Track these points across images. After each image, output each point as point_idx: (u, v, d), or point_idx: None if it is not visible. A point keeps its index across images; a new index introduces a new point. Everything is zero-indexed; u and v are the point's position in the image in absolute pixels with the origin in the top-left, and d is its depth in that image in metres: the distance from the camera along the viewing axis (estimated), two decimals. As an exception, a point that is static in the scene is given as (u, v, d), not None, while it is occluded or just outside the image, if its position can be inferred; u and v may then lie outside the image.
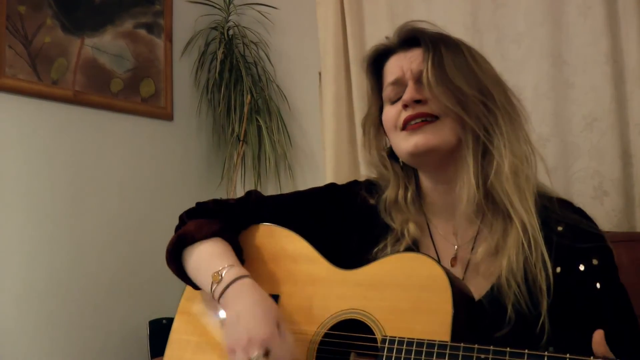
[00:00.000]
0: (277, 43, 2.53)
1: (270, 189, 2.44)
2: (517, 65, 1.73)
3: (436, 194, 1.08)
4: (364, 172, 1.23)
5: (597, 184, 1.59)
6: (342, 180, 1.25)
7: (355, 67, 2.10)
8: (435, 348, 0.82)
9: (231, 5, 2.55)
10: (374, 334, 0.91)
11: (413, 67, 1.03)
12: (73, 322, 2.04)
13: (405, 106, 1.01)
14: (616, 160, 1.57)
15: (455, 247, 1.05)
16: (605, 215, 1.56)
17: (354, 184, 1.20)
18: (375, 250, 1.06)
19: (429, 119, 1.00)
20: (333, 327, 0.98)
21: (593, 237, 0.95)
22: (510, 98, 1.03)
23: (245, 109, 2.39)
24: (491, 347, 0.78)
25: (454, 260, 1.04)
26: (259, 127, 2.43)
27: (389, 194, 1.10)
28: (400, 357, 0.85)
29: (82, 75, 2.15)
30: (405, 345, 0.86)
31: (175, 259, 1.12)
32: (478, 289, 0.96)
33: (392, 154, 1.12)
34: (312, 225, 1.14)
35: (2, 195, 1.92)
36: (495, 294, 0.95)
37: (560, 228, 0.96)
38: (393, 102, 1.06)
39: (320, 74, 2.24)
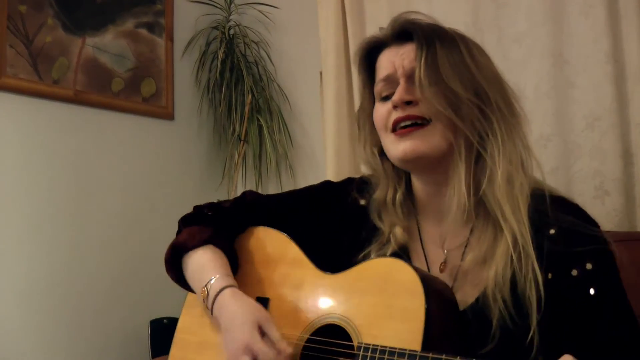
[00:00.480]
0: (278, 43, 2.53)
1: (271, 189, 2.43)
2: (518, 65, 1.73)
3: (427, 197, 1.04)
4: (365, 171, 1.21)
5: (598, 184, 1.59)
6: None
7: (356, 66, 2.09)
8: (406, 357, 0.81)
9: (232, 5, 2.54)
10: (352, 340, 0.91)
11: (405, 64, 0.98)
12: (74, 322, 2.04)
13: (395, 107, 0.97)
14: (617, 159, 1.56)
15: (445, 251, 1.01)
16: (606, 214, 1.56)
17: (348, 182, 1.17)
18: (362, 254, 1.04)
19: (419, 122, 0.95)
20: (316, 331, 0.98)
21: (588, 240, 0.89)
22: (509, 99, 0.98)
23: (246, 109, 2.39)
24: (458, 357, 0.76)
25: (443, 265, 1.00)
26: (260, 127, 2.43)
27: (378, 194, 1.07)
28: None
29: (83, 74, 2.15)
30: (378, 353, 0.85)
31: (173, 268, 1.13)
32: (465, 297, 0.94)
33: (383, 152, 1.06)
34: (307, 226, 1.13)
35: (2, 195, 1.92)
36: (480, 306, 0.91)
37: (552, 231, 0.90)
38: (384, 99, 1.01)
39: (321, 73, 2.24)
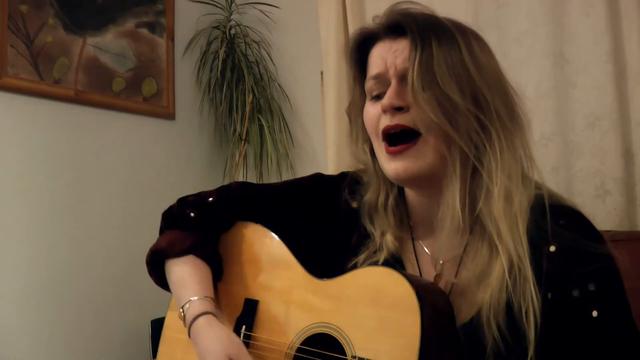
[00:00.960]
0: (279, 42, 2.53)
1: (272, 188, 2.43)
2: (519, 64, 1.73)
3: (420, 207, 0.98)
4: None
5: (599, 183, 1.59)
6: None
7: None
8: None
9: (233, 5, 2.55)
10: (344, 351, 0.89)
11: (397, 63, 0.89)
12: (74, 321, 2.04)
13: (385, 111, 0.90)
14: (618, 159, 1.56)
15: (441, 262, 0.95)
16: (607, 214, 1.56)
17: (342, 177, 1.10)
18: (354, 260, 0.99)
19: (408, 132, 0.88)
20: (307, 340, 0.96)
21: (591, 259, 0.82)
22: (511, 104, 0.91)
23: (247, 108, 2.39)
24: None
25: (437, 277, 0.94)
26: (261, 127, 2.43)
27: (369, 197, 1.01)
28: None
29: (84, 74, 2.15)
30: None
31: (154, 271, 1.13)
32: (458, 314, 0.88)
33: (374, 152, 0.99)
34: (295, 223, 1.08)
35: (3, 195, 1.92)
36: (474, 329, 0.85)
37: (552, 249, 0.84)
38: (375, 98, 0.94)
39: (322, 73, 2.24)
